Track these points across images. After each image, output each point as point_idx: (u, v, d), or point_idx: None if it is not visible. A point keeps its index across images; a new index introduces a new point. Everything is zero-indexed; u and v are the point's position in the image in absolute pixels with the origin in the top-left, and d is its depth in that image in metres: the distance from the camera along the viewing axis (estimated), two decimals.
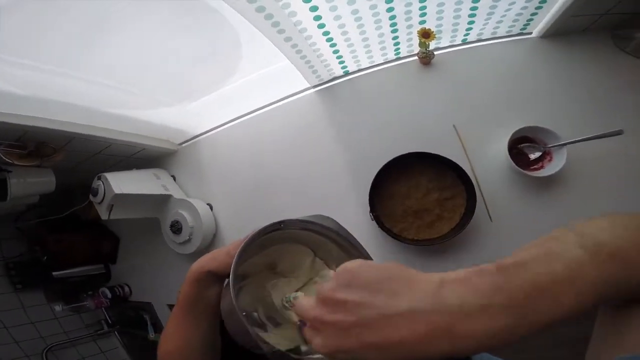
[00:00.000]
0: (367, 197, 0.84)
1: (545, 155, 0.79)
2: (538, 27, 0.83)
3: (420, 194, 0.84)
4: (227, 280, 0.40)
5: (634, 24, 0.76)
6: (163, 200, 1.07)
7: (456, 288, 0.23)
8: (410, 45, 0.89)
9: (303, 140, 0.99)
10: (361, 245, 0.46)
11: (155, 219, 1.08)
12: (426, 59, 0.89)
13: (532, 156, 0.79)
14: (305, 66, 0.87)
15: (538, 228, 0.78)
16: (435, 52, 0.89)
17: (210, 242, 1.05)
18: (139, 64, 0.80)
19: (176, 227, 1.04)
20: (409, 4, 0.73)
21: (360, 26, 0.76)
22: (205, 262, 0.43)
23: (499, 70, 0.86)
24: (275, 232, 0.43)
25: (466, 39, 0.88)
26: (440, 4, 0.75)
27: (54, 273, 1.08)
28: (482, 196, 0.82)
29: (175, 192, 1.10)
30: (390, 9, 0.73)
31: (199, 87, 0.94)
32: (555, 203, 0.79)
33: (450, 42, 0.89)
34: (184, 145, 1.15)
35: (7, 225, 1.05)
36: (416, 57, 0.90)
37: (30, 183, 0.90)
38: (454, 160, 0.81)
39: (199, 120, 1.09)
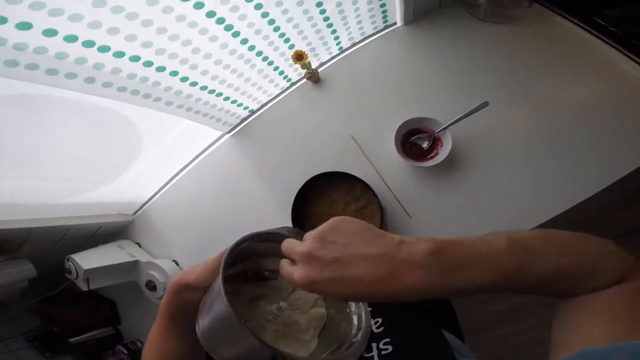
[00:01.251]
0: (297, 223, 0.87)
1: (437, 142, 0.83)
2: (398, 16, 0.88)
3: (340, 208, 0.88)
4: (202, 299, 0.43)
5: None
6: (132, 266, 1.15)
7: (408, 247, 0.31)
8: (297, 69, 0.94)
9: (234, 183, 1.03)
10: None
11: (133, 281, 1.15)
12: (314, 77, 0.94)
13: (425, 145, 0.83)
14: (205, 119, 0.92)
15: (452, 211, 0.84)
16: (321, 68, 0.95)
17: None
18: (58, 154, 0.84)
19: (151, 286, 1.12)
20: (267, 37, 0.78)
21: (234, 71, 0.82)
22: (184, 275, 0.47)
23: (379, 67, 0.92)
24: (249, 246, 0.47)
25: (342, 47, 0.94)
26: (296, 25, 0.80)
27: (70, 340, 1.16)
28: (395, 196, 0.85)
29: (142, 257, 1.17)
30: (251, 47, 0.78)
31: (119, 164, 0.99)
32: (458, 182, 0.83)
33: (329, 54, 0.94)
34: (138, 213, 1.21)
35: (12, 307, 1.13)
36: (305, 79, 0.95)
37: (12, 272, 0.97)
38: (359, 168, 0.86)
39: (140, 190, 1.14)
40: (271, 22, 0.75)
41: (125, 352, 1.20)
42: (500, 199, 0.81)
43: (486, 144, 0.83)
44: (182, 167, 1.10)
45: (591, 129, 0.78)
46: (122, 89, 0.67)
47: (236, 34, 0.72)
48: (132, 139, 0.91)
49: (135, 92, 0.70)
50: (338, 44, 0.92)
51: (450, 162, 0.82)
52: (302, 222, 0.88)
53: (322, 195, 0.89)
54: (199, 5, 0.60)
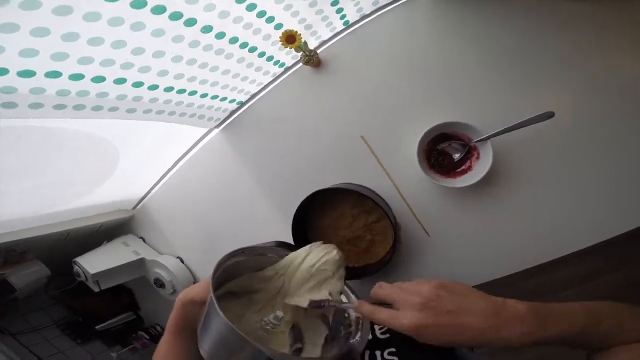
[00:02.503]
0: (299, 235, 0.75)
1: (472, 152, 0.63)
2: None
3: (347, 222, 0.74)
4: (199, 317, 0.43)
5: None
6: (139, 264, 1.14)
7: (512, 304, 0.38)
8: (291, 52, 0.74)
9: (228, 178, 0.93)
10: None
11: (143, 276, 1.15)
12: (313, 60, 0.74)
13: (456, 157, 0.62)
14: (189, 119, 0.78)
15: (478, 235, 0.68)
16: (321, 48, 0.74)
17: None
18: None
19: (159, 283, 1.12)
20: (239, 19, 0.59)
21: (203, 65, 0.65)
22: (189, 290, 0.50)
23: (398, 48, 0.70)
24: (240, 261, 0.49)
25: (348, 21, 0.71)
26: (288, 7, 0.60)
27: (96, 327, 1.24)
28: (413, 212, 0.68)
29: (147, 254, 1.15)
30: (220, 35, 0.60)
31: (105, 168, 0.91)
32: (491, 203, 0.66)
33: (331, 31, 0.72)
34: (137, 208, 1.16)
35: (41, 298, 1.18)
36: (302, 64, 0.75)
37: (27, 274, 1.01)
38: (371, 175, 0.72)
39: (135, 186, 1.08)
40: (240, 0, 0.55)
41: (147, 337, 1.27)
42: (540, 226, 0.64)
43: (537, 159, 0.62)
44: (174, 161, 1.00)
45: None
46: (97, 107, 0.60)
47: (192, 22, 0.54)
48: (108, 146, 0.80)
49: (98, 107, 0.60)
50: (342, 17, 0.70)
51: (487, 178, 0.62)
52: (305, 235, 0.77)
53: (327, 207, 0.75)
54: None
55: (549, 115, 0.53)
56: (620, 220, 0.59)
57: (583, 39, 0.58)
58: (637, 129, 0.58)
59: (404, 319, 0.38)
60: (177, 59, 0.59)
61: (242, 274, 0.52)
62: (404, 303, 0.39)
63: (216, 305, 0.37)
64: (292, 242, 0.70)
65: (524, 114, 0.55)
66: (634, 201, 0.58)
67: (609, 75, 0.59)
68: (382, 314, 0.41)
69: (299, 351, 0.49)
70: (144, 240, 1.19)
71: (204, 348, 0.40)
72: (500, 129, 0.57)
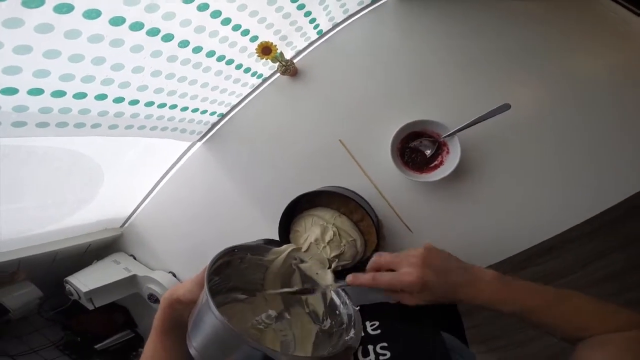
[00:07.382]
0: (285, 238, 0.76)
1: (442, 147, 0.66)
2: None
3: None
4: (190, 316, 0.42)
5: None
6: (131, 280, 1.13)
7: (480, 268, 0.45)
8: (267, 63, 0.77)
9: (214, 190, 0.93)
10: None
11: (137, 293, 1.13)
12: (289, 70, 0.77)
13: (428, 152, 0.66)
14: (172, 134, 0.79)
15: (459, 225, 0.71)
16: (297, 58, 0.77)
17: None
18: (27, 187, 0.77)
19: (153, 299, 1.11)
20: (215, 33, 0.62)
21: (192, 82, 0.68)
22: (174, 290, 0.49)
23: (369, 53, 0.74)
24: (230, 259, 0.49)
25: (321, 30, 0.75)
26: (254, 13, 0.63)
27: (95, 346, 1.22)
28: (394, 209, 0.71)
29: (138, 271, 1.13)
30: (197, 49, 0.62)
31: (89, 186, 0.91)
32: (467, 194, 0.69)
33: (306, 41, 0.76)
34: (125, 226, 1.15)
35: (35, 319, 1.17)
36: (279, 74, 0.78)
37: (19, 295, 1.01)
38: (351, 176, 0.74)
39: (121, 205, 1.07)
40: (215, 14, 0.58)
41: None
42: (517, 212, 0.67)
43: (502, 149, 0.66)
44: (159, 177, 1.00)
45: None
46: (79, 125, 0.61)
47: (169, 37, 0.56)
48: (91, 164, 0.80)
49: (80, 125, 0.61)
50: (316, 27, 0.73)
51: (459, 171, 0.66)
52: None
53: (312, 210, 0.76)
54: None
55: (506, 107, 0.57)
56: (596, 198, 0.63)
57: (536, 36, 0.63)
58: (584, 114, 0.63)
59: (408, 276, 0.42)
60: (156, 73, 0.61)
61: (231, 277, 0.51)
62: (404, 264, 0.43)
63: (211, 303, 0.37)
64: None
65: (487, 109, 0.59)
66: (601, 183, 0.62)
67: (560, 70, 0.64)
68: (384, 276, 0.44)
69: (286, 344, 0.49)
70: (134, 258, 1.19)
71: (194, 347, 0.39)
72: (465, 124, 0.60)
